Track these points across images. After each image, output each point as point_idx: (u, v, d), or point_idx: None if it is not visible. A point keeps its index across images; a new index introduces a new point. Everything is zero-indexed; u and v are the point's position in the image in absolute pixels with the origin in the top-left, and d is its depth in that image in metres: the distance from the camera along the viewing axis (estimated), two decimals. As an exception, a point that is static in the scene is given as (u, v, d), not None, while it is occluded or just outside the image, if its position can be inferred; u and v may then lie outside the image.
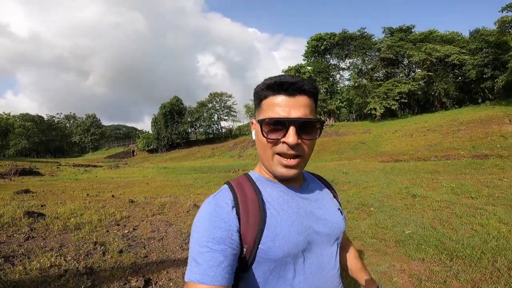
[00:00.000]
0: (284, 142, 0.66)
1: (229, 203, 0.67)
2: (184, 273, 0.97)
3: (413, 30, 33.12)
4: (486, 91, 28.10)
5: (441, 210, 4.64)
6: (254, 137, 0.74)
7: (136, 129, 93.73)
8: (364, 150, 20.36)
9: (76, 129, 63.19)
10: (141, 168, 21.59)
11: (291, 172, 0.69)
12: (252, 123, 0.75)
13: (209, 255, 0.59)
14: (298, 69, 36.41)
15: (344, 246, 0.95)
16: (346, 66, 37.67)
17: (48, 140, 58.10)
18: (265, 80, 0.71)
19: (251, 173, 0.79)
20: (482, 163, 9.91)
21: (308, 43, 37.67)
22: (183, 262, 2.74)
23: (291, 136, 0.65)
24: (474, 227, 3.73)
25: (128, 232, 3.56)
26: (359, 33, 35.04)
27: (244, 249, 0.65)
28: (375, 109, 30.21)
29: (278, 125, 0.66)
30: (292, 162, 0.67)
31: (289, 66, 37.84)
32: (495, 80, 25.41)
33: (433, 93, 30.32)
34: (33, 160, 30.07)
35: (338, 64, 38.04)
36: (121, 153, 48.55)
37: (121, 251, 2.90)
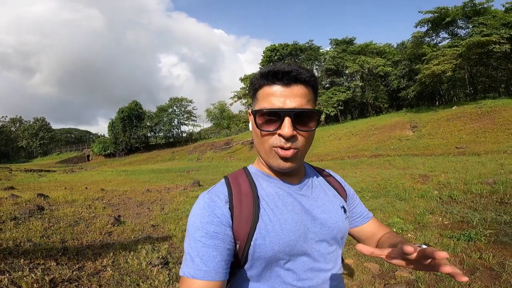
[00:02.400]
0: (279, 135, 0.64)
1: (223, 198, 0.67)
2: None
3: (354, 42, 36.84)
4: (408, 99, 32.26)
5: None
6: (250, 128, 0.72)
7: (90, 133, 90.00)
8: (302, 152, 23.73)
9: (23, 133, 59.79)
10: (100, 172, 22.03)
11: (288, 164, 0.66)
12: (249, 114, 0.72)
13: (202, 249, 0.60)
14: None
15: (374, 233, 0.85)
16: (297, 76, 41.85)
17: (-9, 145, 54.34)
18: (261, 69, 0.68)
19: (249, 167, 0.78)
20: (366, 161, 13.08)
21: (264, 53, 40.77)
22: (137, 210, 5.39)
23: (286, 127, 0.62)
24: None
25: (105, 202, 6.08)
26: (307, 44, 38.83)
27: (237, 245, 0.65)
28: (319, 115, 34.29)
29: (273, 116, 0.64)
30: (289, 153, 0.65)
31: (245, 75, 40.02)
32: (408, 90, 29.50)
33: (365, 101, 35.59)
34: (-21, 166, 28.87)
35: (290, 73, 42.07)
36: (75, 157, 47.26)
37: (104, 208, 5.43)
